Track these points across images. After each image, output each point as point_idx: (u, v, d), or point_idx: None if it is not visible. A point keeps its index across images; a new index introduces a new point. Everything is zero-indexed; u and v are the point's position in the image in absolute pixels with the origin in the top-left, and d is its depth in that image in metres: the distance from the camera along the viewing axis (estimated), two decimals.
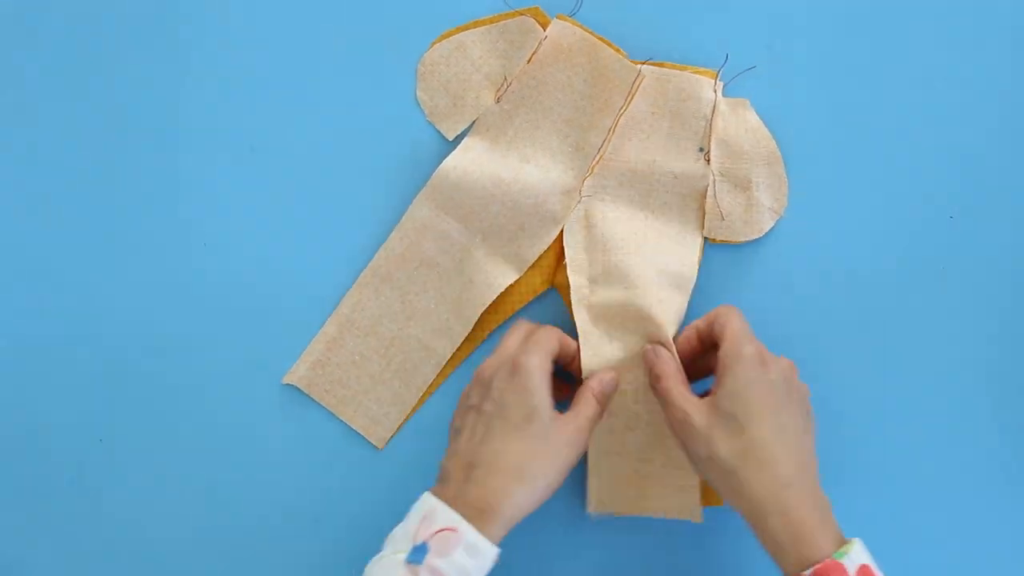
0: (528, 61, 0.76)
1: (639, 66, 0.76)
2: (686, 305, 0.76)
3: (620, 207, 0.77)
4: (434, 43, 0.78)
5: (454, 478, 0.68)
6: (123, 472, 0.79)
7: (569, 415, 0.70)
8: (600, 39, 0.76)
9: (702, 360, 0.74)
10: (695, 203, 0.77)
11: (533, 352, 0.70)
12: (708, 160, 0.76)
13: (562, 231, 0.77)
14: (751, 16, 0.77)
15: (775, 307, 0.77)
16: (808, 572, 0.63)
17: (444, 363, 0.78)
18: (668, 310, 0.74)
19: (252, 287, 0.79)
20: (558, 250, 0.77)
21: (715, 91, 0.76)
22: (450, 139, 0.78)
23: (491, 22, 0.77)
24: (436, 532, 0.65)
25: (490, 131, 0.78)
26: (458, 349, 0.78)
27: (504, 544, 0.66)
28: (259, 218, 0.79)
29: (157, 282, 0.79)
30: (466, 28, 0.78)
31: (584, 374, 0.74)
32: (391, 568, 0.65)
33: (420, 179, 0.78)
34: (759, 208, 0.76)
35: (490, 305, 0.77)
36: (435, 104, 0.78)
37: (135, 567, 0.79)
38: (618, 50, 0.76)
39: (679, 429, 0.69)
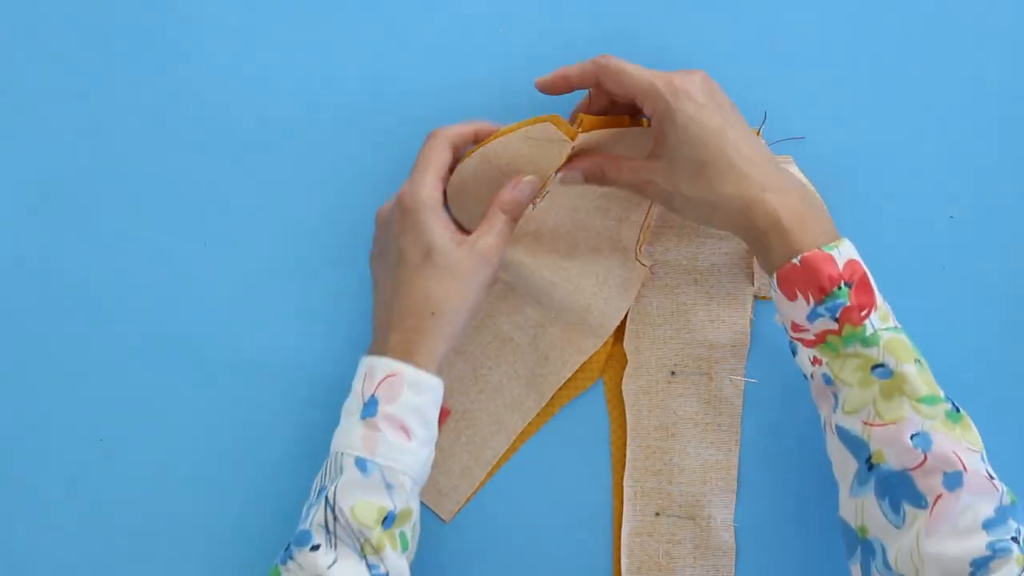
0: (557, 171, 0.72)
1: None
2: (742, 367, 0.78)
3: (668, 275, 0.78)
4: (461, 161, 0.71)
5: (379, 333, 0.69)
6: (123, 472, 0.79)
7: (475, 235, 0.69)
8: (623, 120, 0.72)
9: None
10: (743, 263, 0.78)
11: (417, 183, 0.69)
12: None
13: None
14: (753, 15, 0.78)
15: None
16: (796, 260, 0.64)
17: (514, 437, 0.78)
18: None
19: (255, 287, 0.79)
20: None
21: None
22: None
23: (511, 131, 0.70)
24: (380, 382, 0.66)
25: (529, 224, 0.75)
26: (528, 424, 0.78)
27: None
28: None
29: (159, 281, 0.79)
30: (487, 142, 0.71)
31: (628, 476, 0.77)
32: (350, 430, 0.66)
33: None
34: None
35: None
36: (472, 220, 0.73)
37: (134, 567, 0.79)
38: (640, 122, 0.73)
39: (649, 195, 0.71)
